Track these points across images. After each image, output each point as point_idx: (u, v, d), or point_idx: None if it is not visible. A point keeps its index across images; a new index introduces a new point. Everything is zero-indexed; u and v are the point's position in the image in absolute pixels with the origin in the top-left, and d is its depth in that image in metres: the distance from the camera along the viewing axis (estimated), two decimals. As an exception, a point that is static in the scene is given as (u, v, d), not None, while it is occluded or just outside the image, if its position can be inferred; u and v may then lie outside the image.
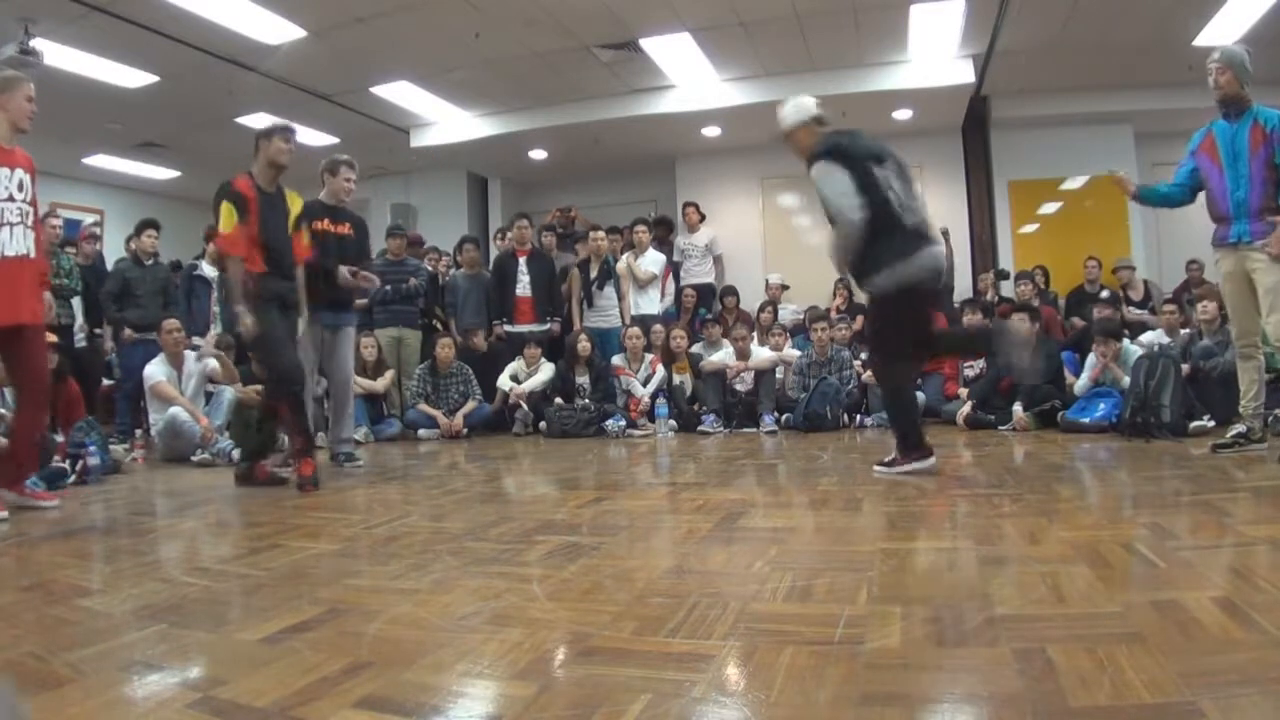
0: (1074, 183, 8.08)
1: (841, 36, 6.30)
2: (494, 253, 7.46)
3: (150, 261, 6.03)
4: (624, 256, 6.84)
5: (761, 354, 5.94)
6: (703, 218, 7.87)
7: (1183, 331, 5.28)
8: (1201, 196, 3.52)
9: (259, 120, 7.29)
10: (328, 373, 4.48)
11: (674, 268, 7.54)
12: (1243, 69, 3.30)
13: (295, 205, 3.82)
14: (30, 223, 3.17)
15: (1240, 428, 3.47)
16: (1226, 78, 3.30)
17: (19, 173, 3.13)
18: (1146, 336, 5.41)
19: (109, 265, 6.53)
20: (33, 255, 3.17)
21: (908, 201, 3.17)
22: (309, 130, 7.82)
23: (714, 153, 8.60)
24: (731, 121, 7.70)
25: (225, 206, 3.55)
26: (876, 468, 3.31)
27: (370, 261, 4.74)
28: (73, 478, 3.77)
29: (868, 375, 5.72)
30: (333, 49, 6.05)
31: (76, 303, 5.99)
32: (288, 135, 3.74)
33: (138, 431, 5.51)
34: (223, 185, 3.64)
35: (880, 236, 3.10)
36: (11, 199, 3.09)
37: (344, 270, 4.24)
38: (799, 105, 3.36)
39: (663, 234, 7.76)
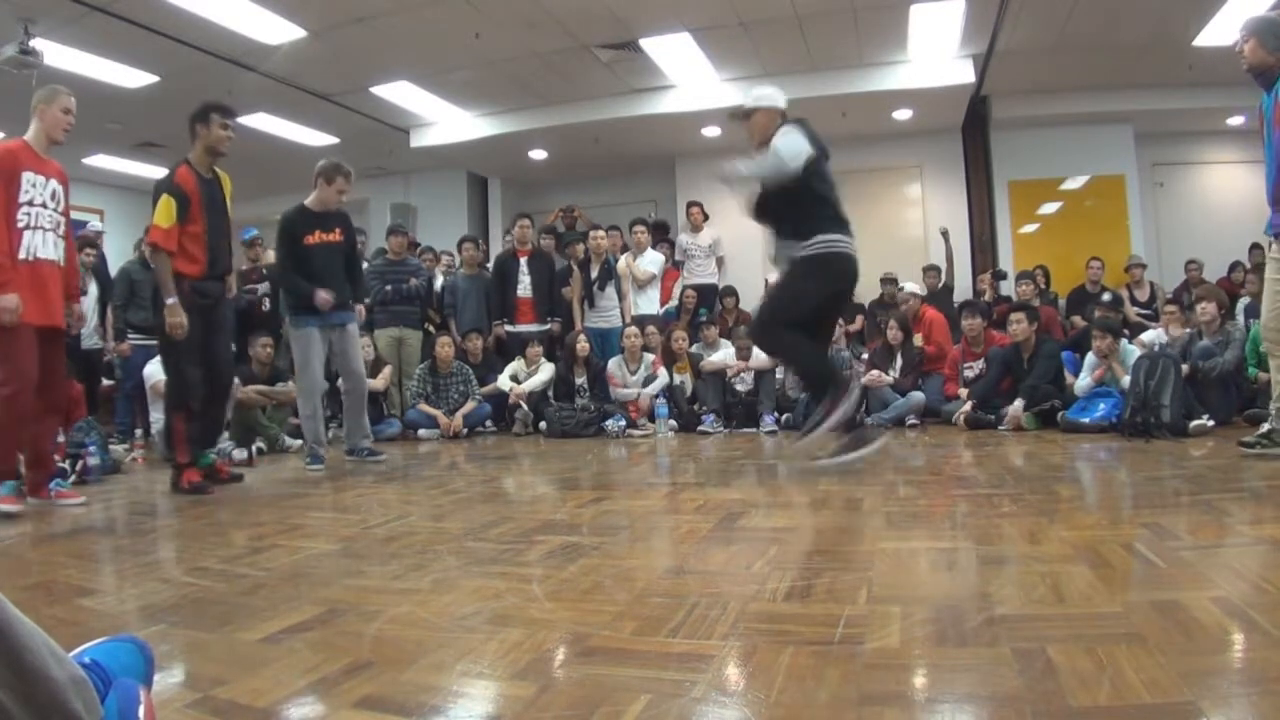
0: (1074, 183, 8.08)
1: (841, 36, 6.30)
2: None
3: None
4: (623, 257, 6.84)
5: (762, 354, 5.93)
6: (706, 218, 7.88)
7: (1183, 331, 5.27)
8: None
9: (259, 120, 7.34)
10: (340, 370, 4.46)
11: (677, 266, 7.54)
12: (1268, 34, 3.01)
13: (228, 186, 3.74)
14: (62, 232, 3.25)
15: (1266, 427, 3.31)
16: (1250, 45, 3.05)
17: (53, 183, 3.22)
18: (1147, 336, 5.40)
19: (109, 266, 6.50)
20: (62, 264, 3.26)
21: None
22: (309, 130, 7.84)
23: (714, 153, 8.54)
24: (731, 121, 7.68)
25: (166, 200, 3.41)
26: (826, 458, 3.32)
27: (360, 256, 4.66)
28: (73, 478, 3.78)
29: (869, 377, 5.72)
30: (333, 49, 6.05)
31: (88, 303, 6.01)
32: (227, 119, 3.58)
33: (138, 431, 5.51)
34: (165, 177, 3.54)
35: (823, 205, 3.36)
36: (45, 206, 3.17)
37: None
38: (776, 93, 3.64)
39: (659, 237, 7.75)
